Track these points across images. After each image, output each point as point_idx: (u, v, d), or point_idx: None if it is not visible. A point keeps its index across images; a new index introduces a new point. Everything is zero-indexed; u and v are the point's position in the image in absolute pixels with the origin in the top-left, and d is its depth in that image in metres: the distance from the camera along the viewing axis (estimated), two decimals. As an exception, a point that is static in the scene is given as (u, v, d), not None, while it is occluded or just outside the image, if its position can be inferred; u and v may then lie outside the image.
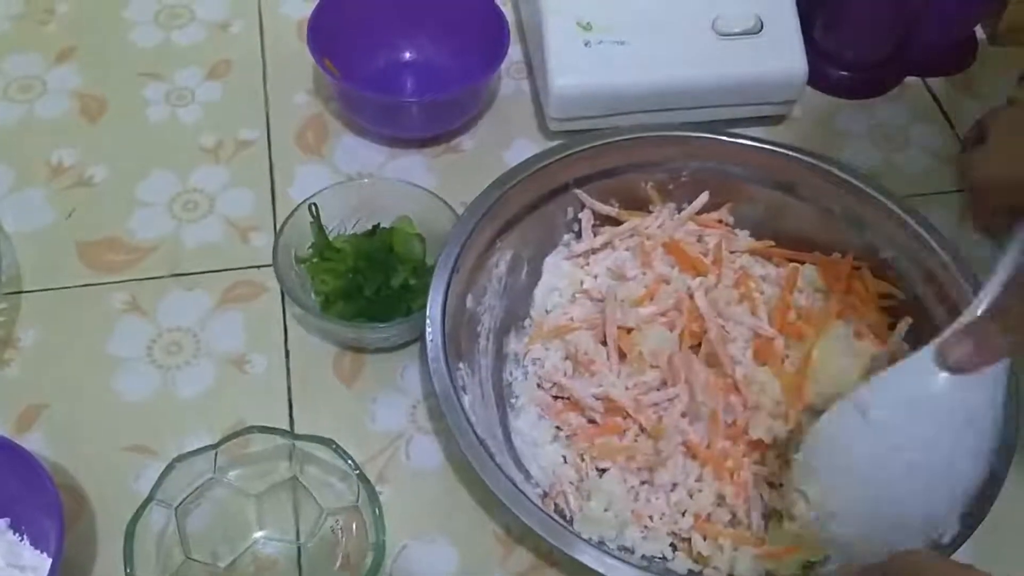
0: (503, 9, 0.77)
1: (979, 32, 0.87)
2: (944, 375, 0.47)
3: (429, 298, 0.59)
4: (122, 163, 0.75)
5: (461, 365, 0.60)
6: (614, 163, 0.68)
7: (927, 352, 0.48)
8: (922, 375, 0.48)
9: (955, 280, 0.61)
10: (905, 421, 0.48)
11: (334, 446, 0.55)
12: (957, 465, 0.47)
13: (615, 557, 0.52)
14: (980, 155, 0.67)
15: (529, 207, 0.66)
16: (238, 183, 0.74)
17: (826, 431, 0.51)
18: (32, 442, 0.59)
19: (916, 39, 0.79)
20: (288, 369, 0.65)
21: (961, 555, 0.51)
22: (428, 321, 0.58)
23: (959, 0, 0.79)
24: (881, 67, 0.82)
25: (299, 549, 0.57)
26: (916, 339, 0.62)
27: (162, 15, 0.85)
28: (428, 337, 0.58)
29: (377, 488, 0.55)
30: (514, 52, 0.81)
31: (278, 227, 0.67)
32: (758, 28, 0.74)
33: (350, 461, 0.55)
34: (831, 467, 0.50)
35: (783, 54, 0.74)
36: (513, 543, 0.59)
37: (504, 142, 0.77)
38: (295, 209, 0.66)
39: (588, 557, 0.51)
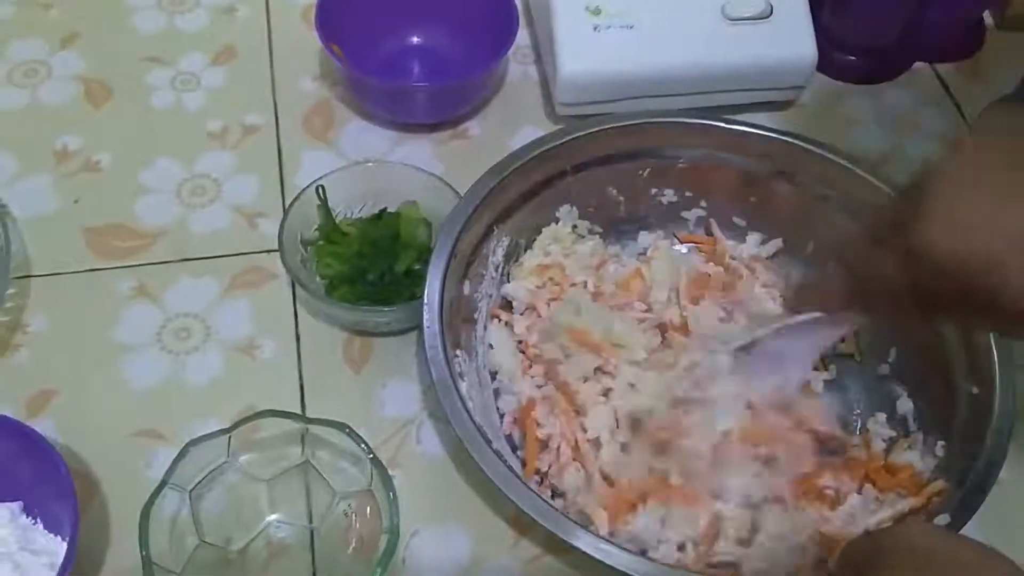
0: (511, -7, 0.77)
1: (987, 18, 0.86)
2: None
3: (426, 285, 0.59)
4: (128, 149, 0.74)
5: (458, 352, 0.60)
6: (611, 149, 0.67)
7: None
8: None
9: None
10: None
11: (347, 430, 0.55)
12: None
13: (609, 542, 0.52)
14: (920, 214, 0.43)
15: (526, 194, 0.66)
16: (245, 169, 0.74)
17: None
18: (42, 428, 0.59)
19: (925, 24, 0.79)
20: (299, 355, 0.65)
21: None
22: (425, 308, 0.58)
23: (967, -15, 0.79)
24: (890, 52, 0.82)
25: (311, 533, 0.57)
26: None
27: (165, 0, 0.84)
28: (425, 324, 0.58)
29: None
30: (522, 37, 0.81)
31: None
32: (767, 13, 0.74)
33: (363, 445, 0.54)
34: None
35: (792, 39, 0.74)
36: (523, 529, 0.59)
37: (512, 128, 0.77)
38: (302, 191, 0.65)
39: (582, 542, 0.51)
